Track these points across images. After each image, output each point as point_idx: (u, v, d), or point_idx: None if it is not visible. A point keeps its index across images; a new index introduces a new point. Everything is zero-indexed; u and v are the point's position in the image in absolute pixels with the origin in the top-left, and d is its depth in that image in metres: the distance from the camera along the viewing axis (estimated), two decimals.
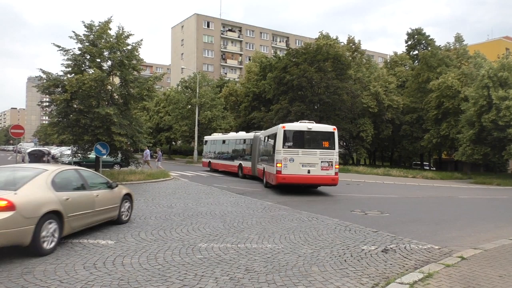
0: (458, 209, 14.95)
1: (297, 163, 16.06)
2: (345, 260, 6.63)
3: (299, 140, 16.55)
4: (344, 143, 51.64)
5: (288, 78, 40.95)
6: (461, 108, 34.96)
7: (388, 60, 57.46)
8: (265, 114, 44.95)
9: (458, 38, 49.31)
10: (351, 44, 50.68)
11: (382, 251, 7.30)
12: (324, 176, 16.24)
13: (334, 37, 47.88)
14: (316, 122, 41.09)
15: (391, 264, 6.50)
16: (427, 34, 51.49)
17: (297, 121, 39.87)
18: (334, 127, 17.17)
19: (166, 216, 10.28)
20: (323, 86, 40.76)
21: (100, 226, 8.57)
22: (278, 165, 16.08)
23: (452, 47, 49.03)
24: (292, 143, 16.40)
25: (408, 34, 52.66)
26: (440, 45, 48.84)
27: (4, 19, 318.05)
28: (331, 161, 16.26)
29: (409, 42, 53.16)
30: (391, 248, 7.57)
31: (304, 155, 16.19)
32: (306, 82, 40.24)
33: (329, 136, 16.69)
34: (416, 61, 51.44)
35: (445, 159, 52.29)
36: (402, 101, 45.32)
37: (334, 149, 16.51)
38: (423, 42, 51.19)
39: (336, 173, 16.38)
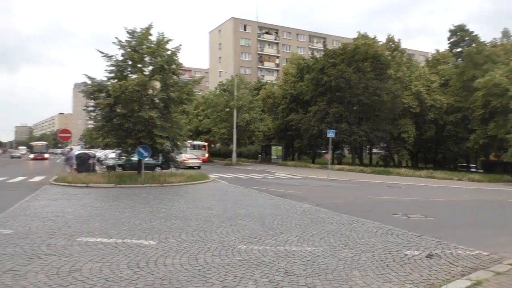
0: (508, 213, 14.21)
1: (192, 155, 37.60)
2: (387, 265, 6.46)
3: (192, 147, 44.81)
4: (385, 145, 50.44)
5: (326, 79, 40.52)
6: (510, 106, 33.17)
7: (430, 59, 55.58)
8: (303, 116, 44.67)
9: (506, 33, 46.96)
10: (390, 43, 49.44)
11: (427, 257, 7.05)
12: (202, 158, 40.54)
13: (373, 37, 46.93)
14: (355, 124, 40.42)
15: (436, 270, 6.26)
16: (470, 30, 49.40)
17: (335, 122, 39.32)
18: (205, 143, 50.10)
19: (206, 218, 10.42)
20: (361, 86, 40.01)
21: (144, 228, 8.81)
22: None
23: (499, 43, 46.73)
24: (192, 148, 44.69)
25: (450, 31, 50.72)
26: (485, 41, 46.69)
27: (52, 31, 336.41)
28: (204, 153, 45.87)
29: (452, 39, 51.16)
30: (436, 253, 7.30)
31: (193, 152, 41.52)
32: (344, 83, 39.65)
33: (204, 145, 48.74)
34: (460, 59, 49.43)
35: (494, 161, 49.76)
36: (445, 101, 43.65)
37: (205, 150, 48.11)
38: (467, 38, 49.13)
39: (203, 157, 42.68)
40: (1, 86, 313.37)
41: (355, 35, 47.92)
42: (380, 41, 48.12)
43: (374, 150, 58.75)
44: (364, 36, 46.55)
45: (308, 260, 6.61)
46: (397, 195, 18.24)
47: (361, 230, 9.24)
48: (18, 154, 71.53)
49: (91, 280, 5.42)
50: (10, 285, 5.18)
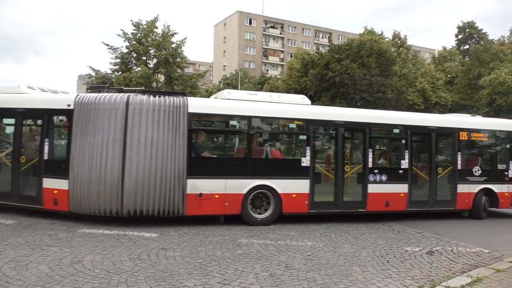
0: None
1: None
2: (387, 261, 6.47)
3: None
4: None
5: (330, 74, 40.37)
6: None
7: (436, 55, 55.21)
8: None
9: None
10: (396, 40, 49.13)
11: (427, 253, 7.06)
12: None
13: (379, 33, 46.61)
14: None
15: (436, 267, 6.28)
16: (479, 28, 48.94)
17: None
18: None
19: None
20: (366, 83, 39.88)
21: (145, 220, 8.84)
22: None
23: (506, 41, 46.40)
24: None
25: (458, 27, 50.26)
26: (493, 39, 46.35)
27: (59, 23, 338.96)
28: None
29: (460, 36, 50.76)
30: (436, 250, 7.31)
31: None
32: (348, 78, 39.50)
33: None
34: (467, 56, 49.09)
35: None
36: (450, 98, 43.46)
37: None
38: (475, 36, 48.72)
39: None
40: (9, 77, 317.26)
41: (361, 31, 47.68)
42: (386, 38, 47.87)
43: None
44: (371, 32, 46.28)
45: (308, 255, 6.63)
46: None
47: (362, 226, 9.26)
48: None
49: (93, 272, 5.45)
50: (11, 276, 5.20)
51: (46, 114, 8.95)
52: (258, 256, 6.43)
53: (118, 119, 8.30)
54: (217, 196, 8.71)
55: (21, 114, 9.16)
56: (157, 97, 8.60)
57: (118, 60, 20.99)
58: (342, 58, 41.20)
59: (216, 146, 9.89)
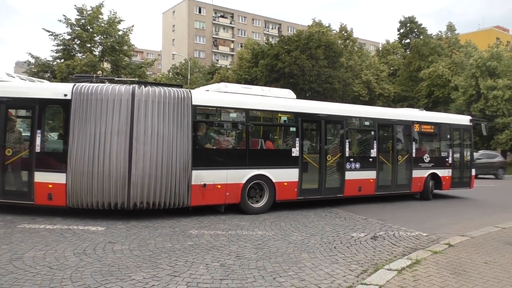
0: (446, 196, 15.15)
1: None
2: (334, 247, 6.70)
3: None
4: None
5: (280, 65, 40.78)
6: (451, 97, 35.19)
7: (380, 49, 57.40)
8: None
9: (450, 27, 49.37)
10: (343, 32, 50.47)
11: (372, 238, 7.39)
12: None
13: (327, 25, 47.64)
14: None
15: (379, 251, 6.59)
16: (419, 22, 51.38)
17: None
18: None
19: None
20: (314, 74, 40.69)
21: (91, 213, 8.53)
22: None
23: (444, 36, 49.11)
24: None
25: (400, 22, 52.47)
26: (432, 34, 48.92)
27: None
28: None
29: (401, 30, 53.02)
30: (380, 235, 7.67)
31: None
32: (297, 69, 40.11)
33: None
34: (408, 50, 51.46)
35: None
36: (393, 90, 45.49)
37: None
38: (416, 30, 51.13)
39: None
40: None
41: (310, 23, 48.48)
42: (333, 30, 49.01)
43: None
44: (319, 24, 47.18)
45: (259, 244, 6.72)
46: None
47: (311, 214, 9.52)
48: None
49: (34, 269, 5.18)
50: None
51: (38, 104, 8.24)
52: (209, 247, 6.42)
53: (123, 111, 8.07)
54: (219, 186, 8.99)
55: (5, 104, 8.34)
56: (161, 88, 8.50)
57: (60, 47, 19.93)
58: (291, 49, 41.70)
59: (218, 137, 10.10)
